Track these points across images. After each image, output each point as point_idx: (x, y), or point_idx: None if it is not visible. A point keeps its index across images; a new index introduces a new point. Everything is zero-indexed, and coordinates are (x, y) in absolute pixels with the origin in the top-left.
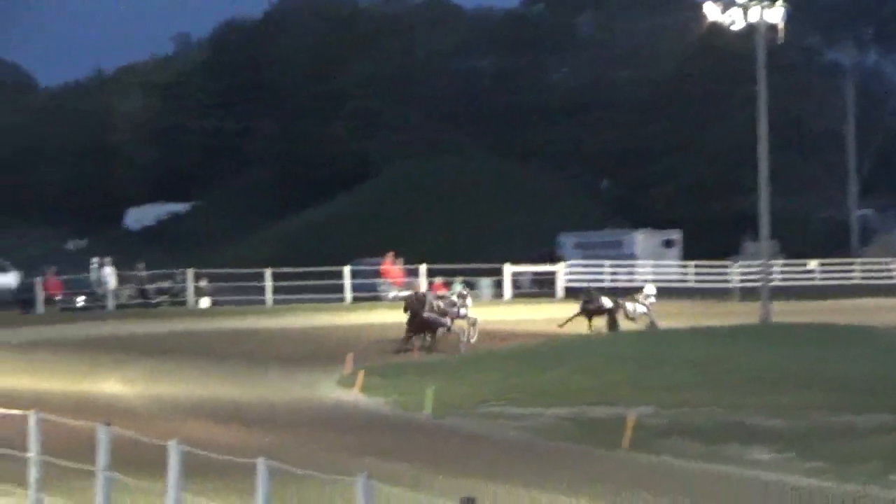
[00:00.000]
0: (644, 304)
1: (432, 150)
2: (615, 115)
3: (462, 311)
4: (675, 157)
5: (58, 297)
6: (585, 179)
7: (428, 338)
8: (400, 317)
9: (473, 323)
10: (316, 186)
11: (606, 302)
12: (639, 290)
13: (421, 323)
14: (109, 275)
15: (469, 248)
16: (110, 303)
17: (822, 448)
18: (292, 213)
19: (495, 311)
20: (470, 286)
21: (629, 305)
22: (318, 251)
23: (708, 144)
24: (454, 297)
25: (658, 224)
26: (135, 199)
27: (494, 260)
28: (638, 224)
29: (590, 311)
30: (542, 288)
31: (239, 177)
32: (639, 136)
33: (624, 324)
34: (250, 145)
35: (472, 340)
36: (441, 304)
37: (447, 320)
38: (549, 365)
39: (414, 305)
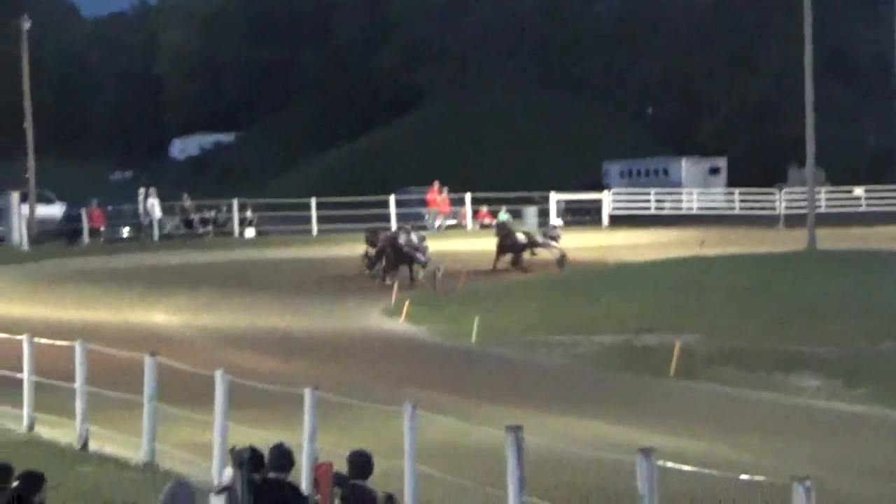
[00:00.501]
0: (551, 238)
1: (480, 81)
2: (661, 43)
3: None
4: (721, 84)
5: (102, 229)
6: (631, 108)
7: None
8: (445, 245)
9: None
10: (362, 117)
11: (521, 237)
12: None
13: (398, 256)
14: (154, 206)
15: (515, 178)
16: (155, 233)
17: (868, 375)
18: (338, 143)
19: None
20: (515, 214)
21: (540, 240)
22: (364, 181)
23: (754, 72)
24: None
25: (704, 152)
26: (180, 129)
27: (540, 189)
28: (683, 152)
29: (506, 248)
30: (587, 216)
31: (284, 107)
32: (684, 65)
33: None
34: (296, 76)
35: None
36: (414, 239)
37: (420, 255)
38: (597, 292)
39: (380, 241)
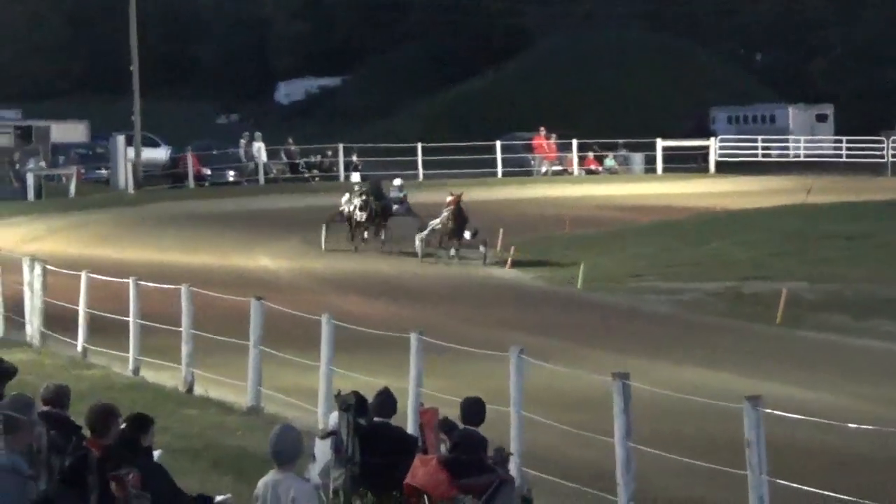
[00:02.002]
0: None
1: (587, 22)
2: None
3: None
4: (829, 30)
5: (208, 173)
6: (739, 53)
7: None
8: (552, 191)
9: None
10: (468, 61)
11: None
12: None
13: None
14: (260, 150)
15: (623, 122)
16: (260, 177)
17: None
18: (444, 88)
19: (647, 185)
20: (622, 161)
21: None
22: (470, 126)
23: (862, 17)
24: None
25: (811, 98)
26: (285, 73)
27: (647, 135)
28: (791, 99)
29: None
30: (694, 162)
31: (390, 51)
32: (793, 10)
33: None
34: (403, 19)
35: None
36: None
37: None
38: (702, 239)
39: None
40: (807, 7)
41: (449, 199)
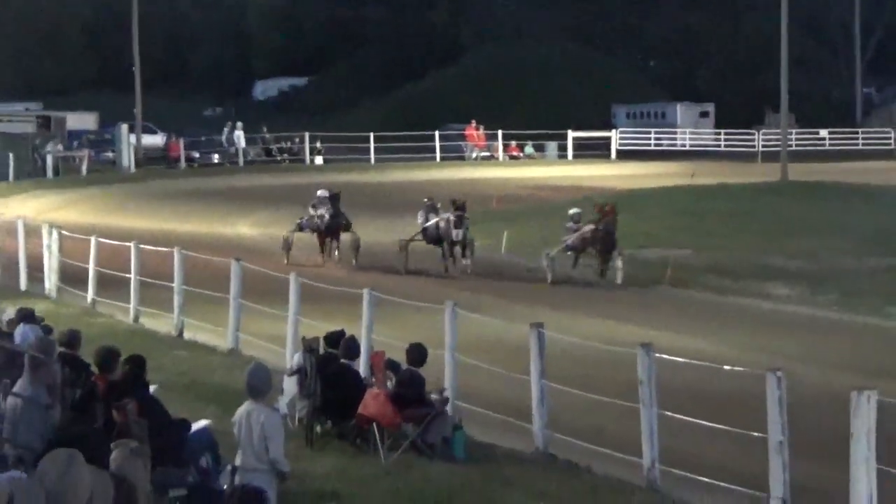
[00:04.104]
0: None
1: (515, 34)
2: (665, 6)
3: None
4: (712, 42)
5: (197, 155)
6: (638, 61)
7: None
8: (481, 174)
9: None
10: (416, 66)
11: None
12: None
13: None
14: (240, 137)
15: (542, 118)
16: (240, 160)
17: (833, 285)
18: (395, 88)
19: (561, 168)
20: (539, 149)
21: None
22: (417, 121)
23: (740, 32)
24: None
25: (696, 98)
26: (262, 74)
27: (562, 127)
28: (679, 98)
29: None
30: (598, 150)
31: (351, 57)
32: (684, 25)
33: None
34: (362, 30)
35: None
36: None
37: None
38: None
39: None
40: (692, 24)
41: (607, 208)
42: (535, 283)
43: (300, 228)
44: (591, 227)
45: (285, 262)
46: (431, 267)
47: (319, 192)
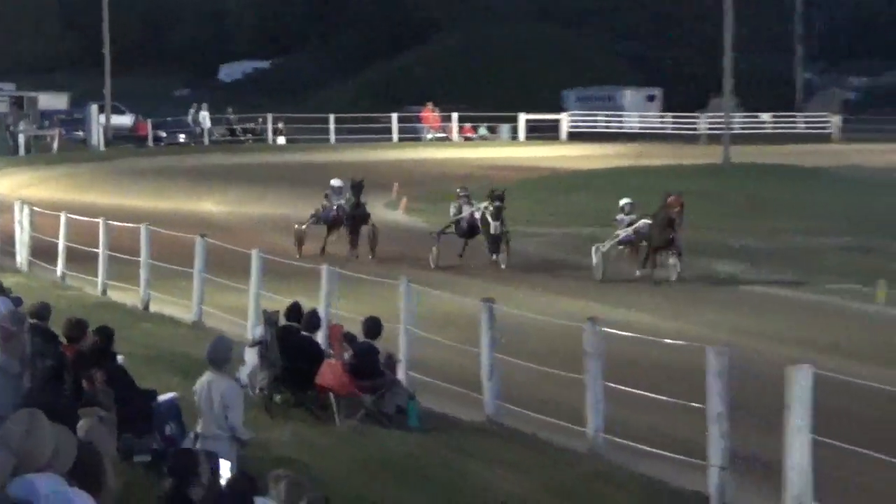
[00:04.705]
0: None
1: (484, 16)
2: None
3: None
4: (660, 29)
5: (164, 135)
6: (591, 44)
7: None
8: (435, 154)
9: None
10: (383, 48)
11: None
12: None
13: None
14: (206, 117)
15: (500, 100)
16: (206, 139)
17: (778, 262)
18: (362, 70)
19: (512, 149)
20: (492, 130)
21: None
22: (382, 102)
23: (685, 19)
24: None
25: (643, 83)
26: (232, 56)
27: (517, 109)
28: (627, 82)
29: None
30: (548, 132)
31: (321, 39)
32: (634, 15)
33: None
34: (331, 13)
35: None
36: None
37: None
38: (560, 193)
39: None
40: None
41: (670, 199)
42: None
43: (317, 221)
44: (648, 221)
45: (297, 256)
46: (464, 261)
47: (333, 182)
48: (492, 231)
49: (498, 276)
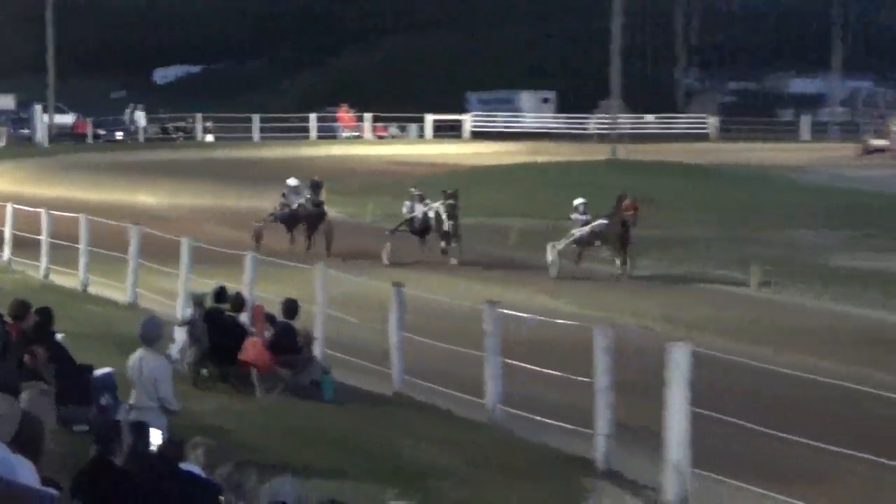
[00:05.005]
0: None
1: (399, 27)
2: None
3: None
4: (554, 39)
5: (103, 132)
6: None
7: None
8: (350, 151)
9: None
10: (304, 56)
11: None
12: None
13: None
14: (141, 117)
15: (409, 102)
16: (141, 137)
17: (666, 252)
18: (283, 76)
19: (419, 147)
20: (402, 129)
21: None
22: (302, 104)
23: (578, 30)
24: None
25: (538, 87)
26: (162, 62)
27: (426, 111)
28: (524, 87)
29: None
30: (453, 131)
31: (244, 47)
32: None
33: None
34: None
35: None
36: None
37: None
38: (464, 186)
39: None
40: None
41: (625, 202)
42: (401, 245)
43: (276, 219)
44: (604, 221)
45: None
46: (414, 257)
47: (290, 181)
48: (445, 228)
49: (450, 270)
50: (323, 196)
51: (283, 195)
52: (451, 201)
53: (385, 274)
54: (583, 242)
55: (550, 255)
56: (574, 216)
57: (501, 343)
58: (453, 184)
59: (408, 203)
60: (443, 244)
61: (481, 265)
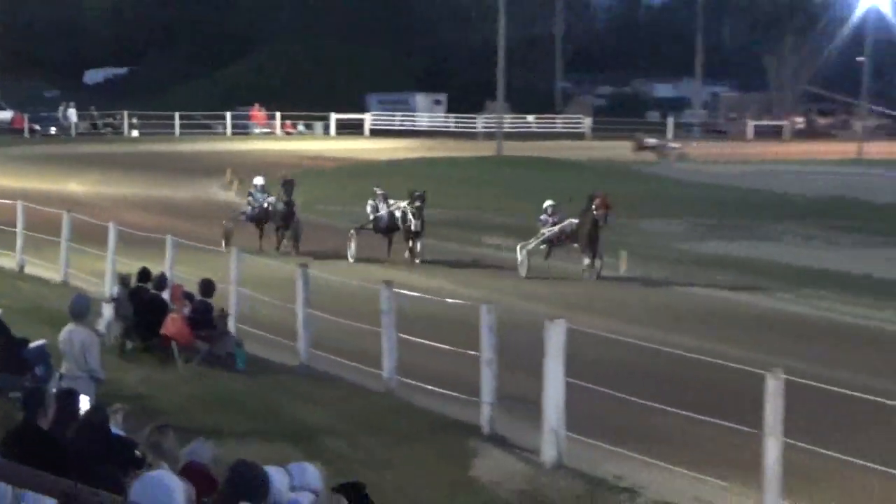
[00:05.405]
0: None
1: (318, 35)
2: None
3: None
4: (446, 47)
5: (38, 127)
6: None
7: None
8: (263, 146)
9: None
10: (218, 57)
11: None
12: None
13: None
14: (73, 114)
15: (318, 103)
16: (73, 132)
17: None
18: (201, 76)
19: (324, 143)
20: (309, 127)
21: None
22: (218, 103)
23: (465, 37)
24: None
25: (431, 89)
26: (92, 63)
27: (329, 110)
28: (418, 89)
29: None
30: (354, 129)
31: (168, 50)
32: (427, 36)
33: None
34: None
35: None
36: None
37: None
38: (362, 178)
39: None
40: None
41: (596, 200)
42: (311, 232)
43: (247, 218)
44: (574, 220)
45: (224, 250)
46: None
47: (257, 181)
48: (413, 228)
49: (413, 267)
50: (294, 195)
51: (251, 194)
52: (418, 203)
53: (351, 271)
54: (552, 241)
55: (520, 255)
56: (543, 217)
57: (399, 320)
58: (356, 175)
59: (371, 202)
60: (410, 244)
61: (447, 264)
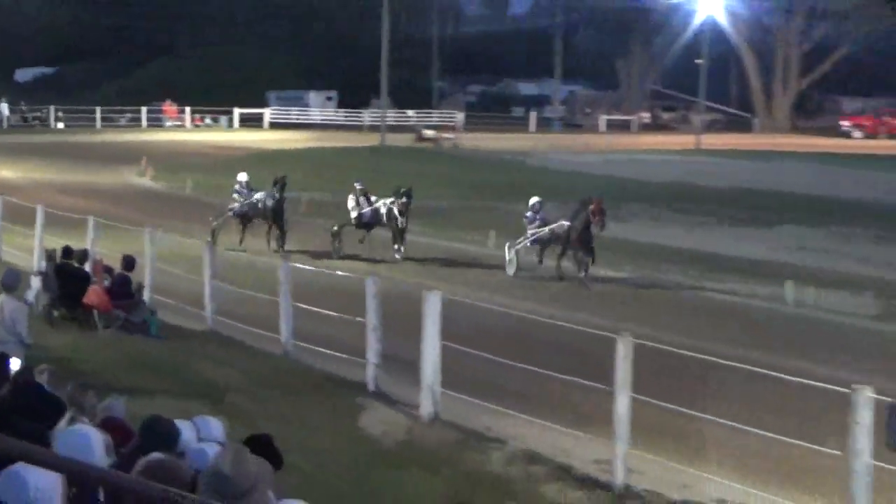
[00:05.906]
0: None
1: (223, 40)
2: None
3: None
4: (337, 49)
5: None
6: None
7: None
8: (174, 137)
9: None
10: (139, 56)
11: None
12: None
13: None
14: (4, 108)
15: (223, 99)
16: (4, 124)
17: (422, 220)
18: (123, 74)
19: (229, 134)
20: (215, 120)
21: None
22: (136, 99)
23: (354, 40)
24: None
25: (323, 87)
26: (23, 63)
27: (237, 105)
28: (312, 87)
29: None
30: (255, 123)
31: (93, 50)
32: (322, 40)
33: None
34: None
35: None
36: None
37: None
38: (267, 166)
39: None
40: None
41: (592, 206)
42: (207, 212)
43: (235, 215)
44: (566, 223)
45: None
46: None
47: (241, 177)
48: (399, 225)
49: (396, 263)
50: (284, 193)
51: (236, 190)
52: (404, 199)
53: (336, 266)
54: (542, 242)
55: (508, 254)
56: (529, 214)
57: (298, 291)
58: (260, 162)
59: (352, 197)
60: (394, 239)
61: (437, 262)
